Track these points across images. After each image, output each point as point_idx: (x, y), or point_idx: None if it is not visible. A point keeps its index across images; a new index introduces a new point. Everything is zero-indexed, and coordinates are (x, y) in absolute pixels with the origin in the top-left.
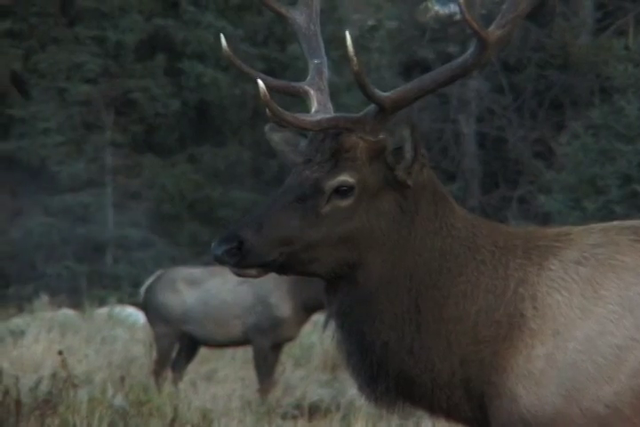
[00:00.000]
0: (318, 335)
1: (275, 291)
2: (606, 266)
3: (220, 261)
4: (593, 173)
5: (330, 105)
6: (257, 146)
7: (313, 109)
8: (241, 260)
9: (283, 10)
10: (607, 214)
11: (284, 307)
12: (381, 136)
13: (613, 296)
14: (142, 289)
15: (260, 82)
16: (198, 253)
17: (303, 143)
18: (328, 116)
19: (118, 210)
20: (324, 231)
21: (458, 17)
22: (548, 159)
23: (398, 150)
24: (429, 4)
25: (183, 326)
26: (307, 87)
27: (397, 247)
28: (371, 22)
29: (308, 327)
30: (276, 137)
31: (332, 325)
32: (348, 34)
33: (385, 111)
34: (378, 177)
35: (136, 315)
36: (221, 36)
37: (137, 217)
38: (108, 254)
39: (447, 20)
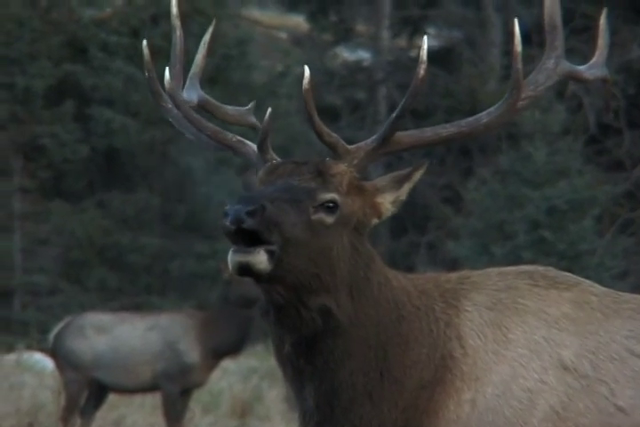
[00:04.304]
0: (227, 381)
1: (184, 337)
2: (512, 310)
3: (237, 221)
4: (500, 218)
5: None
6: (166, 192)
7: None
8: (261, 223)
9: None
10: (515, 260)
11: (193, 353)
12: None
13: (521, 340)
14: (51, 335)
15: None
16: (107, 299)
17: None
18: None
19: (26, 256)
20: (310, 236)
21: (365, 63)
22: (456, 205)
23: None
24: (338, 51)
25: (92, 372)
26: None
27: (357, 292)
28: (279, 68)
29: (217, 373)
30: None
31: (297, 359)
32: (307, 69)
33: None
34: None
35: (44, 361)
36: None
37: (45, 263)
38: (16, 300)
39: (355, 67)
